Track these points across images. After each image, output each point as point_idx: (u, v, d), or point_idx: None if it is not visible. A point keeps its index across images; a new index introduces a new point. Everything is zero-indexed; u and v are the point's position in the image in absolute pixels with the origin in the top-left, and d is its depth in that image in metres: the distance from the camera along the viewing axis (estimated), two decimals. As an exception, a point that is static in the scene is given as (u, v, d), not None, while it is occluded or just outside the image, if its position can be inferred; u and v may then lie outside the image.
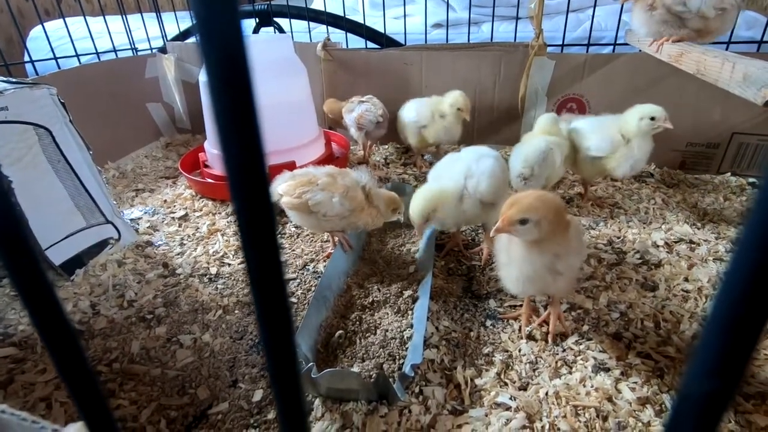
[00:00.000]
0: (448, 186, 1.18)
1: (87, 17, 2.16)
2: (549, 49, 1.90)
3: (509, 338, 1.02)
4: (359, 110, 1.87)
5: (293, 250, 1.40)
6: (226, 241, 1.45)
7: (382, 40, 2.17)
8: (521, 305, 1.08)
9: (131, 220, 1.56)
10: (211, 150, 1.79)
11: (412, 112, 1.84)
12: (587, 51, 1.96)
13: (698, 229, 1.42)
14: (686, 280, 1.19)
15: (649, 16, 1.32)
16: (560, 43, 1.97)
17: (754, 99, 0.77)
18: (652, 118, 1.36)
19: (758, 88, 0.77)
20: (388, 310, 1.09)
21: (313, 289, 1.20)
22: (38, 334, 0.26)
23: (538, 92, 1.97)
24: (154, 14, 2.44)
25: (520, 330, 1.04)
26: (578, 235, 0.91)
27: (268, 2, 2.50)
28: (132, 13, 2.63)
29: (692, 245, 1.34)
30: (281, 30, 2.40)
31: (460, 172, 1.17)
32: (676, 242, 1.36)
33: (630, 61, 1.81)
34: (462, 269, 1.29)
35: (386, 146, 2.23)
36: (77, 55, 2.13)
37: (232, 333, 1.07)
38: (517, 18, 2.04)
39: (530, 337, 1.02)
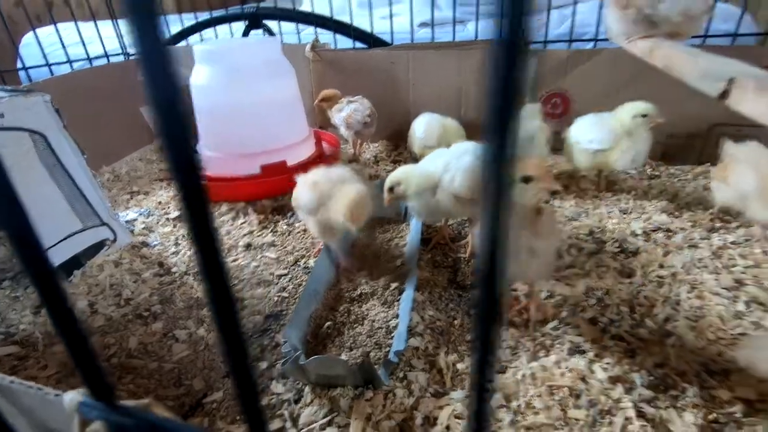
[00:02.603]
0: (421, 167, 1.23)
1: (78, 22, 2.19)
2: (532, 45, 1.94)
3: (491, 325, 1.07)
4: (347, 110, 1.91)
5: (285, 247, 1.44)
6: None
7: (369, 39, 2.20)
8: (503, 294, 1.13)
9: (127, 221, 1.59)
10: (203, 151, 1.83)
11: (421, 127, 1.78)
12: (569, 47, 2.00)
13: (676, 218, 1.47)
14: (661, 266, 1.24)
15: (623, 15, 1.36)
16: (543, 39, 2.01)
17: (710, 92, 0.82)
18: (644, 116, 1.47)
19: (715, 81, 0.81)
20: (376, 301, 1.14)
21: (303, 284, 1.25)
22: (48, 314, 0.31)
23: (523, 88, 2.02)
24: (144, 19, 2.47)
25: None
26: (551, 220, 0.97)
27: (257, 4, 2.53)
28: (124, 17, 2.66)
29: (669, 233, 1.39)
30: (270, 32, 2.44)
31: (440, 165, 1.21)
32: (653, 231, 1.41)
33: (611, 55, 1.85)
34: (448, 261, 1.34)
35: (377, 144, 2.27)
36: (69, 61, 2.16)
37: (226, 327, 1.11)
38: (501, 16, 2.08)
39: (511, 323, 1.07)
